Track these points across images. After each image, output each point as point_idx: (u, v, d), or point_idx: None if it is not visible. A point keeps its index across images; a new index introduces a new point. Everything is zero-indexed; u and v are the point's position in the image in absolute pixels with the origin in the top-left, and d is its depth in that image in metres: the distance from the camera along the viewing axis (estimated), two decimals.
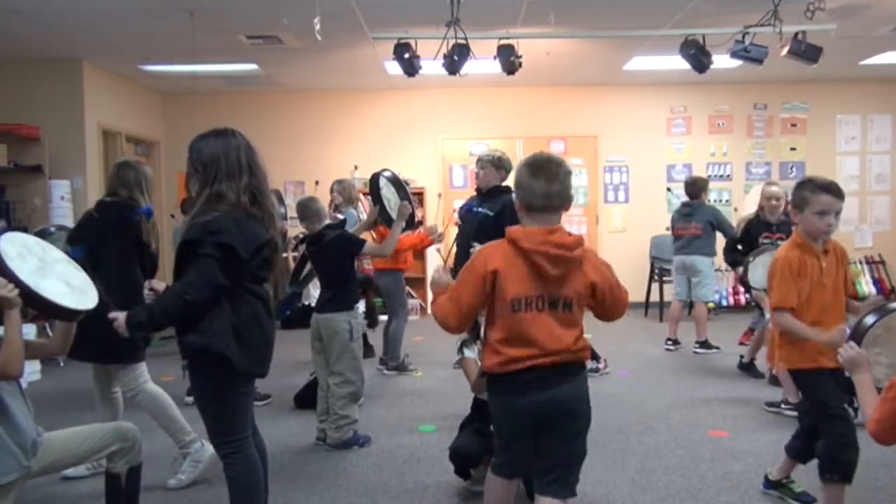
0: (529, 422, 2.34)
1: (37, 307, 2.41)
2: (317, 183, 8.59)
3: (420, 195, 8.20)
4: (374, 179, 4.40)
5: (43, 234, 3.43)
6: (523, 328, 2.28)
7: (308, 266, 5.16)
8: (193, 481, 3.62)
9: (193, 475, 3.62)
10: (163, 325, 2.51)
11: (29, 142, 6.76)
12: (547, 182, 2.28)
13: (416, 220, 5.75)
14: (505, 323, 2.30)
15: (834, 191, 2.87)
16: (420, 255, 7.93)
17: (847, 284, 3.02)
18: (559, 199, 2.31)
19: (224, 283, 2.44)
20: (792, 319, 2.86)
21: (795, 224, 2.99)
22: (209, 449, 3.69)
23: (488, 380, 2.43)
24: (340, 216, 5.33)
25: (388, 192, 4.41)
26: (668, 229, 8.71)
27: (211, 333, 2.46)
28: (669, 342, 6.74)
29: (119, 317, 2.49)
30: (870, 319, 2.35)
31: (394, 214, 4.30)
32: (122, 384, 3.61)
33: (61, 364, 6.24)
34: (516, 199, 2.38)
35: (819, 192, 2.86)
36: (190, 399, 4.86)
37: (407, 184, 5.85)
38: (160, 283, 2.73)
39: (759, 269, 4.60)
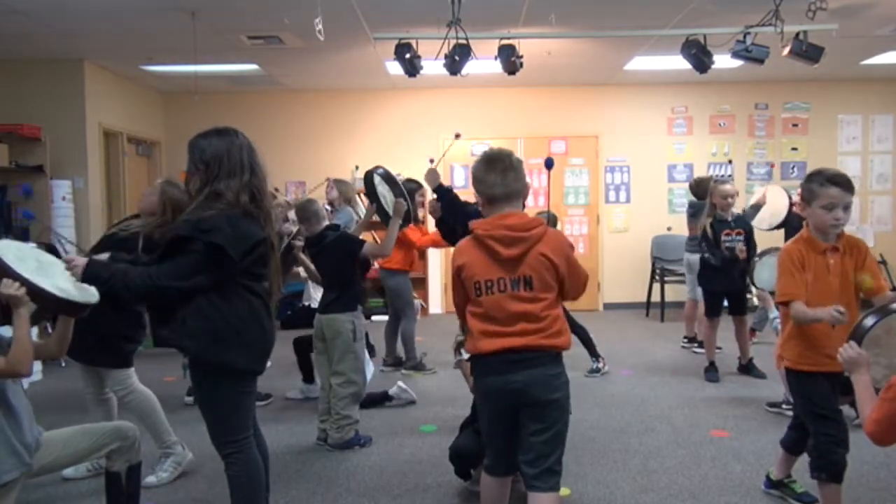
0: (505, 406, 2.44)
1: (44, 304, 2.43)
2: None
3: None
4: (369, 178, 4.37)
5: None
6: (488, 311, 2.42)
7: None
8: (193, 482, 3.62)
9: (173, 476, 3.64)
10: (117, 293, 2.43)
11: (30, 142, 6.75)
12: (502, 174, 2.44)
13: (417, 217, 5.76)
14: (474, 308, 2.46)
15: (843, 183, 2.79)
16: (421, 255, 7.92)
17: (875, 280, 2.86)
18: (515, 187, 2.46)
19: (202, 283, 2.43)
20: (801, 308, 2.78)
21: (804, 218, 2.94)
22: (189, 454, 3.74)
23: (471, 367, 2.58)
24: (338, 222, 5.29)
25: (384, 190, 4.39)
26: (669, 229, 8.76)
27: (182, 332, 2.47)
28: (685, 340, 6.76)
29: (78, 261, 2.46)
30: (870, 321, 2.34)
31: (391, 212, 4.29)
32: (112, 385, 3.62)
33: (62, 364, 6.24)
34: (476, 194, 2.57)
35: (827, 184, 2.78)
36: (190, 399, 4.87)
37: (415, 183, 5.88)
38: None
39: (765, 269, 4.60)
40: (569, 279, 2.46)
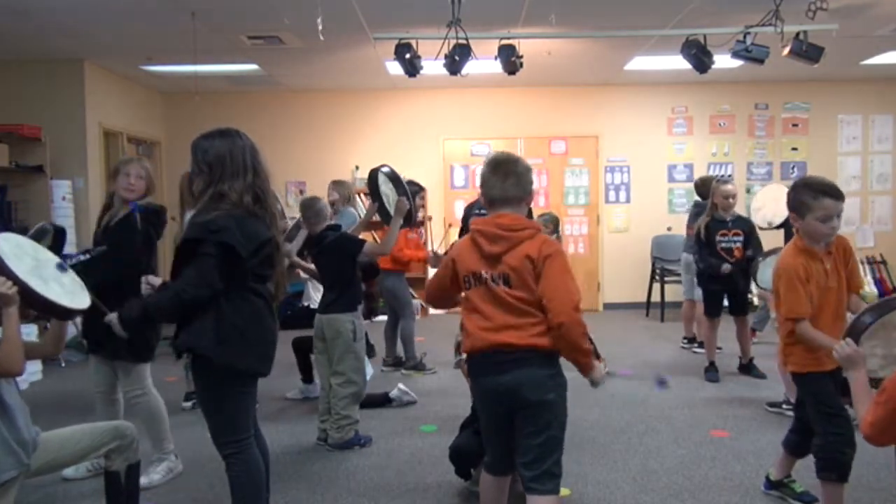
0: (498, 407, 2.48)
1: (34, 305, 2.43)
2: None
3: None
4: (373, 176, 4.36)
5: (41, 233, 3.42)
6: (473, 303, 2.49)
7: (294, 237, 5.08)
8: (193, 482, 3.63)
9: (163, 480, 3.62)
10: (156, 321, 2.65)
11: (30, 142, 6.75)
12: (502, 177, 2.51)
13: (418, 218, 5.76)
14: (464, 302, 2.56)
15: (834, 194, 2.82)
16: None
17: (853, 279, 2.95)
18: (514, 192, 2.50)
19: (219, 286, 2.45)
20: (809, 329, 2.81)
21: (796, 229, 2.94)
22: (181, 466, 3.74)
23: (467, 368, 2.65)
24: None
25: (387, 189, 4.38)
26: (669, 229, 8.76)
27: (199, 335, 2.47)
28: (685, 340, 6.75)
29: (112, 318, 2.54)
30: (867, 318, 2.35)
31: (392, 211, 4.29)
32: (128, 384, 3.59)
33: (62, 364, 6.24)
34: (480, 196, 2.65)
35: (820, 197, 2.80)
36: (188, 405, 4.87)
37: (416, 184, 5.88)
38: (156, 278, 2.74)
39: (767, 269, 4.60)
40: (546, 281, 2.36)
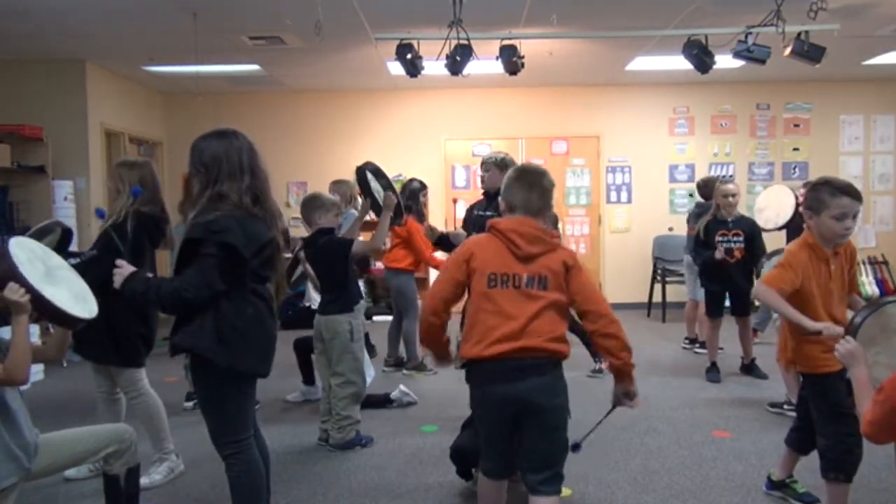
0: (505, 414, 2.43)
1: (45, 313, 2.41)
2: None
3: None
4: (362, 174, 4.37)
5: (44, 231, 3.42)
6: (498, 304, 2.41)
7: (299, 269, 5.15)
8: (193, 482, 3.63)
9: (165, 480, 3.63)
10: (150, 305, 2.80)
11: (32, 142, 6.76)
12: (528, 187, 2.51)
13: (422, 215, 5.80)
14: (481, 302, 2.44)
15: (853, 193, 2.81)
16: None
17: (851, 283, 2.98)
18: (537, 204, 2.51)
19: (221, 287, 2.44)
20: (773, 293, 2.80)
21: (809, 228, 2.92)
22: (182, 465, 3.75)
23: (467, 373, 2.54)
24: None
25: (378, 186, 4.40)
26: (670, 229, 8.76)
27: (199, 335, 2.47)
28: (687, 341, 6.75)
29: (124, 269, 2.50)
30: (858, 318, 2.36)
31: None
32: (124, 386, 3.61)
33: (64, 365, 6.24)
34: (501, 200, 2.61)
35: (839, 194, 2.79)
36: (189, 405, 4.87)
37: (420, 182, 5.91)
38: (128, 265, 2.69)
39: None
40: (586, 286, 2.48)
